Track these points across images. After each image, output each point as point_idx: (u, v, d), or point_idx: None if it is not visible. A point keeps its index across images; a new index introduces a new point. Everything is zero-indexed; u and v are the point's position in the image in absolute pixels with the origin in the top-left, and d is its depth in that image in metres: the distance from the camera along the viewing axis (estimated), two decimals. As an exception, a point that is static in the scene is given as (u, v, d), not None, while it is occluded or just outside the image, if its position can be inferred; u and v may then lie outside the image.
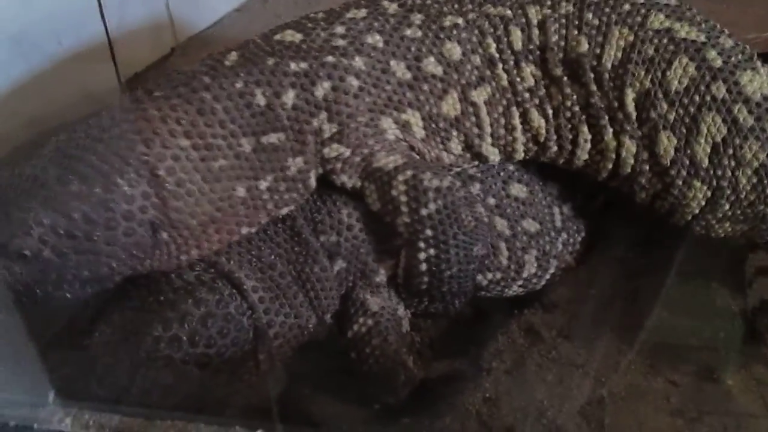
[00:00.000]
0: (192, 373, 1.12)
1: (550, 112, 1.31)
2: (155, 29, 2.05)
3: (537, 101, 1.30)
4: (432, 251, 1.24)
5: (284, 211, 1.26)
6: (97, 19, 1.77)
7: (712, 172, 1.28)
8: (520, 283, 1.42)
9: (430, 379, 1.34)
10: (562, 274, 1.48)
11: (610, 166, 1.33)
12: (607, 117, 1.30)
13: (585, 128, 1.31)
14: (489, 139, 1.32)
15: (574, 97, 1.30)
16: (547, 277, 1.45)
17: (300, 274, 1.25)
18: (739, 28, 1.95)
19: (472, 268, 1.28)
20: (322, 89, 1.22)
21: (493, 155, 1.34)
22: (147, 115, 1.13)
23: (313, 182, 1.26)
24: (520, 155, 1.35)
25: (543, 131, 1.32)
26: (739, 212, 1.31)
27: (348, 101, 1.23)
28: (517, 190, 1.40)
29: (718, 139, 1.26)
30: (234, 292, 1.19)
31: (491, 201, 1.38)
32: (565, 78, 1.29)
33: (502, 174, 1.40)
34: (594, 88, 1.28)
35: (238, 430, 0.77)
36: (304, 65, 1.22)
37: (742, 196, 1.29)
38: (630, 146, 1.30)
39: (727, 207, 1.30)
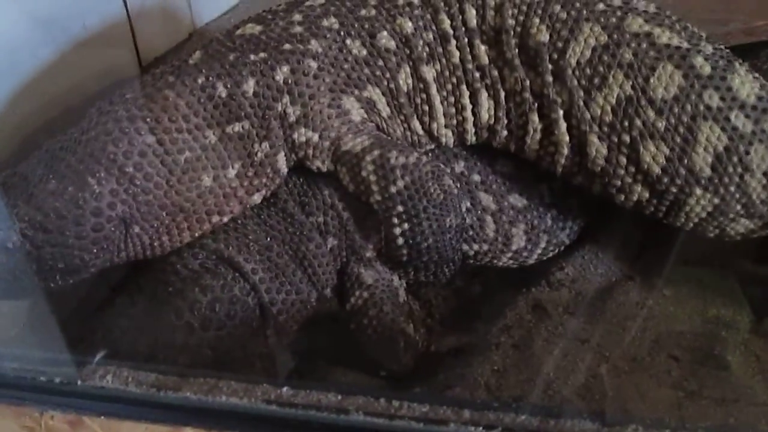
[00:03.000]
0: (207, 355, 1.19)
1: (502, 94, 1.32)
2: (174, 14, 2.09)
3: (488, 82, 1.32)
4: (406, 225, 1.30)
5: (256, 197, 1.31)
6: (119, 3, 1.82)
7: (717, 180, 1.25)
8: (509, 255, 1.47)
9: (441, 352, 1.39)
10: (555, 251, 1.53)
11: (563, 161, 1.32)
12: (561, 111, 1.28)
13: (535, 117, 1.30)
14: (442, 119, 1.34)
15: (527, 83, 1.29)
16: (539, 251, 1.50)
17: (296, 253, 1.32)
18: (748, 14, 1.99)
19: (449, 238, 1.33)
20: (281, 73, 1.27)
21: (445, 137, 1.37)
22: (117, 116, 1.20)
23: (282, 166, 1.31)
24: (471, 138, 1.37)
25: (492, 113, 1.33)
26: (752, 210, 1.28)
27: (308, 82, 1.28)
28: (502, 165, 1.45)
29: (720, 148, 1.23)
30: (236, 275, 1.26)
31: (476, 177, 1.43)
32: (518, 62, 1.29)
33: (488, 150, 1.44)
34: (550, 79, 1.27)
35: (265, 387, 0.83)
36: (262, 54, 1.27)
37: (754, 196, 1.26)
38: (600, 148, 1.27)
39: (739, 208, 1.27)
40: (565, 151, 1.30)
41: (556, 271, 1.51)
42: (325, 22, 1.31)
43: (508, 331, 1.40)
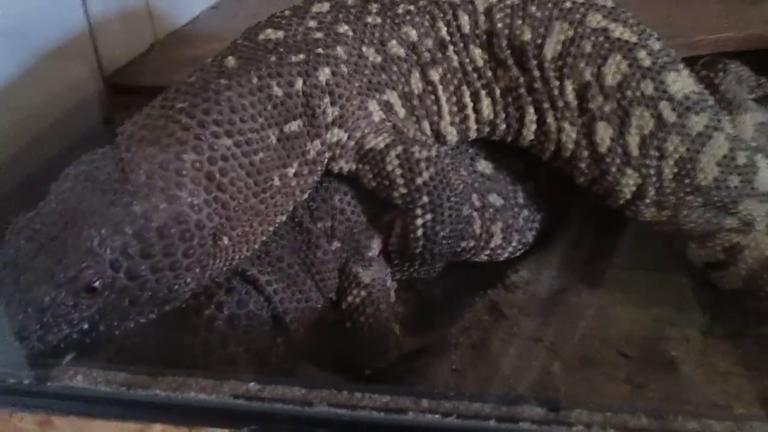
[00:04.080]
0: (229, 371, 1.19)
1: (498, 92, 1.42)
2: (135, 25, 2.11)
3: (485, 81, 1.42)
4: (429, 216, 1.35)
5: (306, 195, 1.33)
6: (81, 14, 1.84)
7: (641, 161, 1.39)
8: (487, 252, 1.55)
9: (403, 353, 1.43)
10: (522, 249, 1.60)
11: (553, 147, 1.44)
12: (548, 103, 1.40)
13: (531, 109, 1.42)
14: (447, 117, 1.43)
15: (520, 80, 1.40)
16: (510, 249, 1.57)
17: (305, 261, 1.35)
18: (689, 30, 2.10)
19: (461, 228, 1.39)
20: (323, 75, 1.30)
21: (451, 135, 1.45)
22: (183, 124, 1.13)
23: (325, 163, 1.34)
24: (473, 133, 1.46)
25: (492, 109, 1.43)
26: (663, 199, 1.41)
27: (345, 85, 1.33)
28: (483, 166, 1.53)
29: (646, 132, 1.37)
30: (250, 288, 1.27)
31: None
32: (510, 62, 1.40)
33: (470, 151, 1.53)
34: (537, 74, 1.39)
35: (233, 383, 0.86)
36: (302, 56, 1.29)
37: (665, 185, 1.40)
38: (570, 132, 1.41)
39: (653, 193, 1.41)
40: (554, 137, 1.43)
41: (511, 274, 1.58)
42: (341, 29, 1.36)
43: (466, 332, 1.46)
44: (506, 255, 1.58)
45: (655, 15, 2.19)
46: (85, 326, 1.01)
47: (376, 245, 1.42)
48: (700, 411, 0.76)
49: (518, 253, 1.60)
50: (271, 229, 1.28)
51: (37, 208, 1.09)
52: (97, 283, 1.00)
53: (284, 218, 1.30)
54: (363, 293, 1.38)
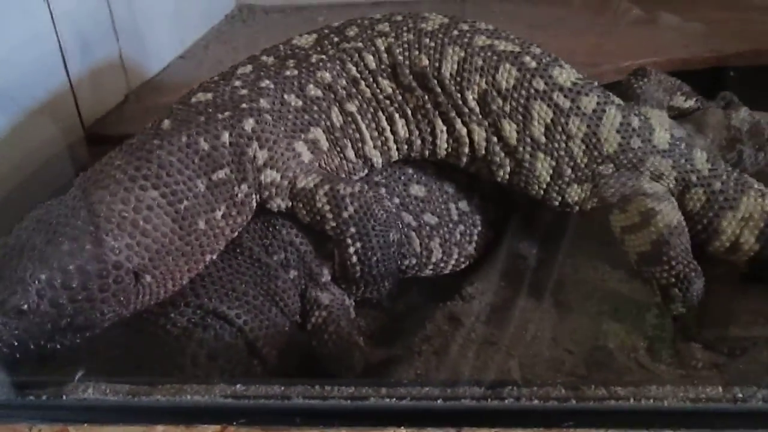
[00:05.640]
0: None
1: (409, 113, 1.62)
2: (111, 78, 2.25)
3: (396, 105, 1.61)
4: (358, 244, 1.52)
5: (236, 234, 1.50)
6: (62, 70, 1.98)
7: (550, 145, 1.59)
8: (430, 267, 1.71)
9: (373, 363, 1.56)
10: (465, 262, 1.76)
11: (467, 150, 1.63)
12: (454, 112, 1.60)
13: (439, 121, 1.61)
14: (370, 143, 1.62)
15: (425, 98, 1.60)
16: (452, 263, 1.73)
17: (268, 291, 1.50)
18: (617, 57, 2.33)
19: (393, 251, 1.57)
20: (248, 124, 1.49)
21: (376, 157, 1.64)
22: (117, 179, 1.34)
23: (254, 204, 1.52)
24: (395, 153, 1.65)
25: (406, 129, 1.62)
26: (580, 173, 1.61)
27: (270, 130, 1.50)
28: (416, 189, 1.70)
29: (548, 120, 1.59)
30: (222, 323, 1.42)
31: (396, 200, 1.67)
32: (415, 85, 1.60)
33: (402, 178, 1.70)
34: (439, 90, 1.60)
35: (222, 386, 1.01)
36: (228, 113, 1.48)
37: (578, 161, 1.60)
38: (480, 131, 1.61)
39: (569, 171, 1.61)
40: (465, 140, 1.62)
41: (466, 286, 1.72)
42: (262, 84, 1.55)
43: (428, 341, 1.59)
44: (450, 268, 1.74)
45: (585, 44, 2.42)
46: (15, 343, 1.20)
47: (327, 271, 1.59)
48: (609, 380, 0.93)
49: (463, 265, 1.76)
50: (201, 267, 1.44)
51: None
52: (24, 306, 1.19)
53: (214, 257, 1.46)
54: (324, 313, 1.54)
